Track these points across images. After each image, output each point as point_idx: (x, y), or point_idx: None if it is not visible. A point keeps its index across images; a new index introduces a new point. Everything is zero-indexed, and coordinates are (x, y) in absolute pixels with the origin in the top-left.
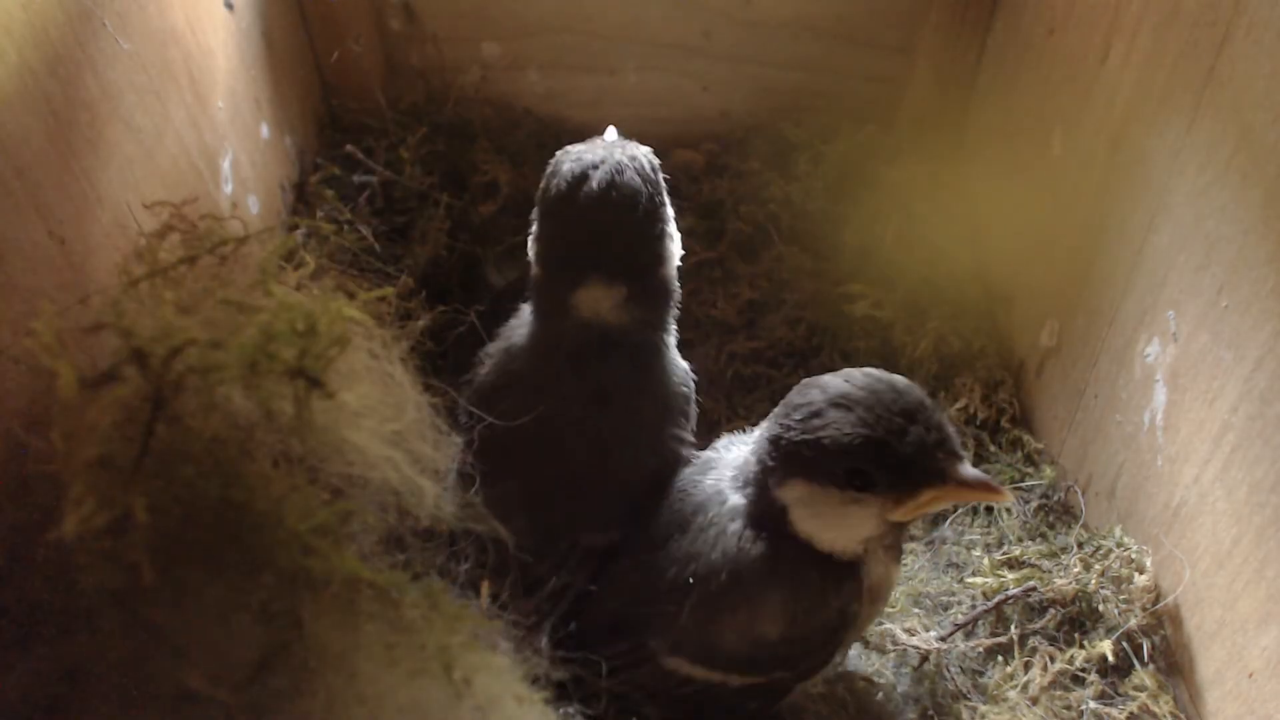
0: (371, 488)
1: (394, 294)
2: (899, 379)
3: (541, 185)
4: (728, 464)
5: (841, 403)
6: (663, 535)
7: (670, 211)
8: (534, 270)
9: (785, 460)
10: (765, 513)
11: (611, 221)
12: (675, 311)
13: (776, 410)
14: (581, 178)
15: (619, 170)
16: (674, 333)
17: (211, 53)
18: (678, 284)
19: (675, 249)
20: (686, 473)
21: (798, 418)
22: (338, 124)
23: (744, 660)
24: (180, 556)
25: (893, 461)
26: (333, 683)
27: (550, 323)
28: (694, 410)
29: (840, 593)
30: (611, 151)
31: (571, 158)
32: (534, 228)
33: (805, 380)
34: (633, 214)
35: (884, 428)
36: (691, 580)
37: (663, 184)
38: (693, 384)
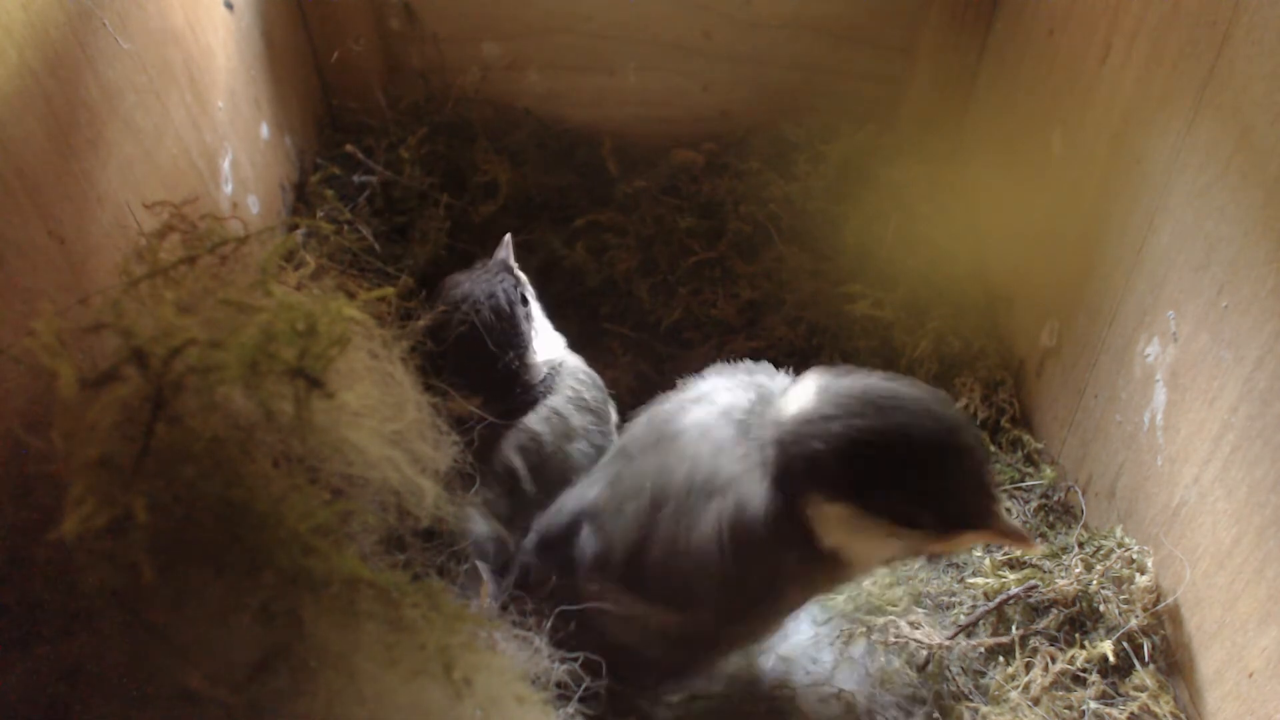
0: (371, 488)
1: (394, 294)
2: (949, 414)
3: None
4: (720, 405)
5: (899, 439)
6: (636, 449)
7: (531, 328)
8: None
9: (823, 477)
10: (782, 512)
11: (465, 357)
12: (545, 386)
13: (807, 411)
14: (445, 321)
15: (476, 312)
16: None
17: (211, 53)
18: (545, 371)
19: (535, 357)
20: (674, 398)
21: (850, 447)
22: (338, 124)
23: (661, 582)
24: (180, 556)
25: (942, 504)
26: (333, 683)
27: None
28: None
29: (792, 548)
30: (475, 287)
31: (445, 293)
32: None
33: (858, 386)
34: (481, 351)
35: (940, 472)
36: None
37: (519, 311)
38: (598, 406)
